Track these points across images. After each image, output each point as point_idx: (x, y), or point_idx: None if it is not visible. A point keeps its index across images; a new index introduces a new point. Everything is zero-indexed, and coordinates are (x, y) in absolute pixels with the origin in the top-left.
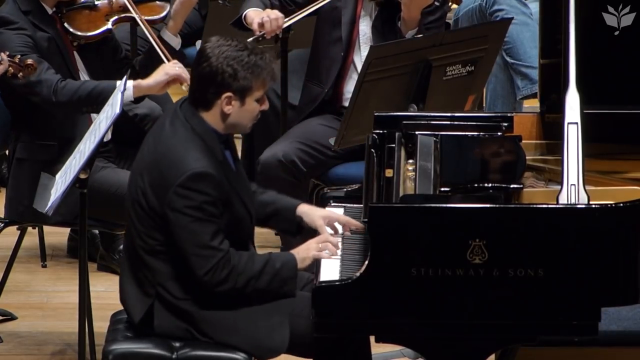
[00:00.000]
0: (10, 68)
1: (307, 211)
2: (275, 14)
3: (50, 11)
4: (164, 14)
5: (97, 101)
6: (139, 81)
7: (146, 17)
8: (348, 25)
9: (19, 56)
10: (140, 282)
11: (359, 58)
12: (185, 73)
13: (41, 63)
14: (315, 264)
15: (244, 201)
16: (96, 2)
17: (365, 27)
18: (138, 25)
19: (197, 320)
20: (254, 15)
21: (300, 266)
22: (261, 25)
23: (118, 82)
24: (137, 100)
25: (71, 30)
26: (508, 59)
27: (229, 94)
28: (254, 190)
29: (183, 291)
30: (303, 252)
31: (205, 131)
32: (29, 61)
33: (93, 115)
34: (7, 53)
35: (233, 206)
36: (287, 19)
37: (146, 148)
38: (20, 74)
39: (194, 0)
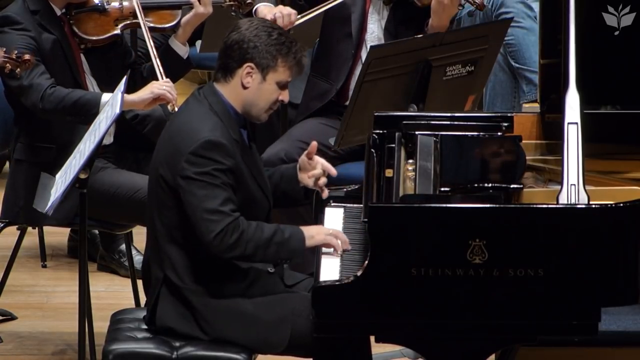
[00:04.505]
0: (8, 64)
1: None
2: (288, 10)
3: (59, 12)
4: (174, 22)
5: (81, 112)
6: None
7: (156, 25)
8: (357, 22)
9: (16, 52)
10: (155, 266)
11: None
12: (172, 93)
13: (37, 66)
14: (315, 264)
15: (259, 183)
16: (106, 7)
17: (373, 26)
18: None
19: (200, 309)
20: (266, 10)
21: (307, 243)
22: (274, 21)
23: (103, 96)
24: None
25: (78, 33)
26: (513, 62)
27: (251, 64)
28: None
29: (192, 279)
30: (313, 231)
31: (223, 111)
32: (27, 56)
33: None
34: (4, 49)
35: (247, 185)
36: (299, 16)
37: (164, 130)
38: (18, 69)
39: (207, 14)
